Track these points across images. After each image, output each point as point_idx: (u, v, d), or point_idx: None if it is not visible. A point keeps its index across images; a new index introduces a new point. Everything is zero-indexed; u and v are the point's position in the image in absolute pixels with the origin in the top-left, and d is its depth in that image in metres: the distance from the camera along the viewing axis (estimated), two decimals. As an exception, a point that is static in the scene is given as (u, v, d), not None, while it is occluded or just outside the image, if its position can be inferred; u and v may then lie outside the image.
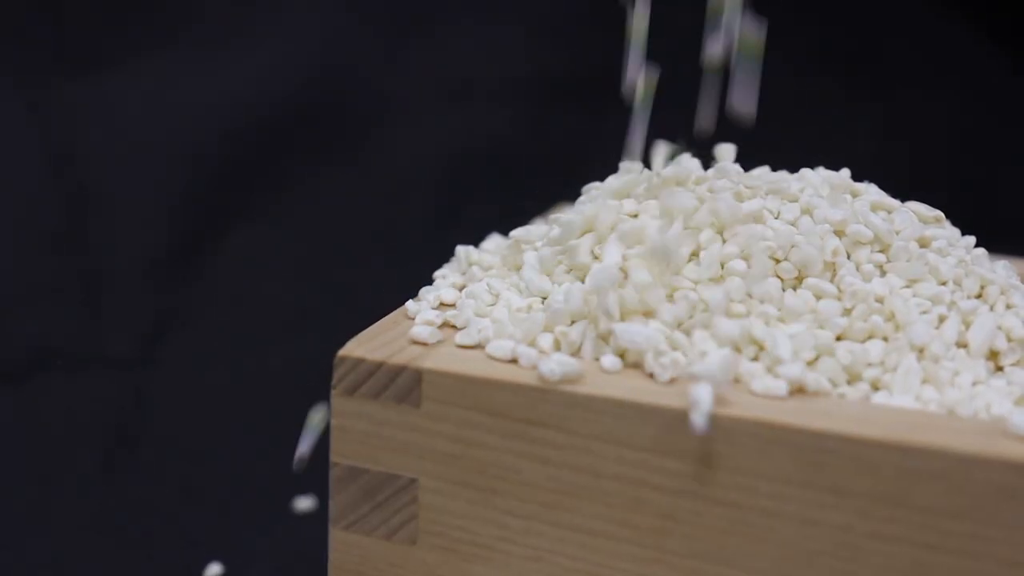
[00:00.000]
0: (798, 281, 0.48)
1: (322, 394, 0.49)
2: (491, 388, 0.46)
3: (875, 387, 0.45)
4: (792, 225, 0.50)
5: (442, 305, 0.51)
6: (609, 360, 0.46)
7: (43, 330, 0.82)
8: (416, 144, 0.90)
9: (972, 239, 0.54)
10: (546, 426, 0.45)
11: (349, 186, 0.90)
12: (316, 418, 0.47)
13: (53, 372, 0.80)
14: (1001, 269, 0.52)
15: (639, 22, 0.51)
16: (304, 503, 0.70)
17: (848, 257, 0.49)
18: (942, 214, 0.53)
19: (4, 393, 0.78)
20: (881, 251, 0.50)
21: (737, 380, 0.45)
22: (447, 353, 0.47)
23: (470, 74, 0.91)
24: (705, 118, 0.51)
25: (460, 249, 0.55)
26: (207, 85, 0.88)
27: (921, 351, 0.46)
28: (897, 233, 0.50)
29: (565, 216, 0.52)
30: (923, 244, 0.51)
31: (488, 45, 0.91)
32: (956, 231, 0.54)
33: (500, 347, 0.47)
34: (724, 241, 0.49)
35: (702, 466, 0.44)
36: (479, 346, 0.48)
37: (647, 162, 0.54)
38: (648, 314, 0.47)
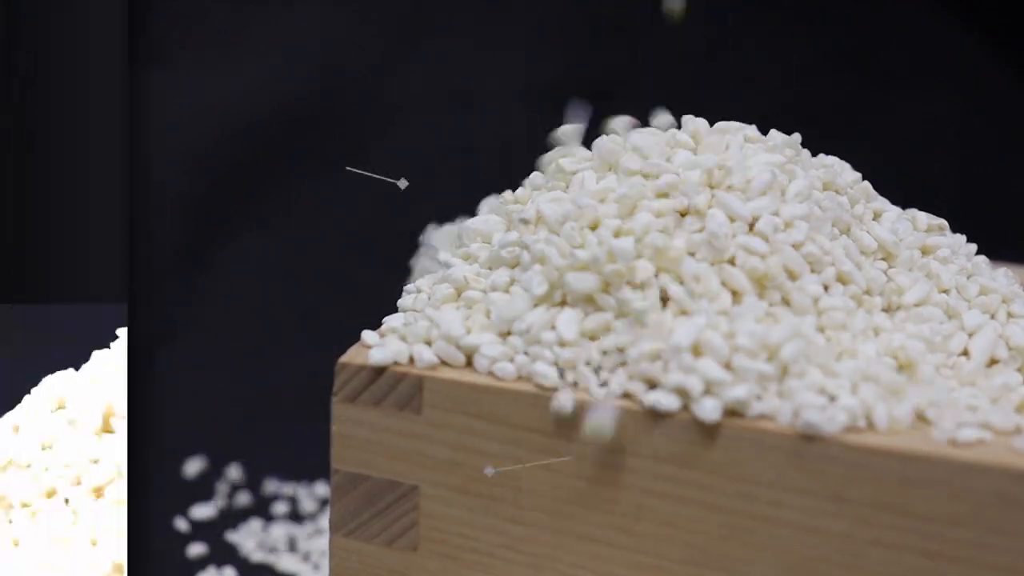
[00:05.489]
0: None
1: (323, 401, 0.49)
2: (492, 395, 0.46)
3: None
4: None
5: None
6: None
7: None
8: (418, 149, 0.90)
9: (973, 247, 0.53)
10: (547, 434, 0.45)
11: (351, 191, 0.90)
12: None
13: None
14: (1002, 277, 0.52)
15: None
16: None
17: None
18: (945, 222, 0.53)
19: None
20: (884, 259, 0.49)
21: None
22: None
23: (471, 79, 0.91)
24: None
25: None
26: (207, 89, 0.88)
27: (923, 359, 0.46)
28: (900, 241, 0.50)
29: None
30: (926, 252, 0.51)
31: (490, 51, 0.91)
32: (959, 238, 0.53)
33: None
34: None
35: (703, 473, 0.44)
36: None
37: None
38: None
